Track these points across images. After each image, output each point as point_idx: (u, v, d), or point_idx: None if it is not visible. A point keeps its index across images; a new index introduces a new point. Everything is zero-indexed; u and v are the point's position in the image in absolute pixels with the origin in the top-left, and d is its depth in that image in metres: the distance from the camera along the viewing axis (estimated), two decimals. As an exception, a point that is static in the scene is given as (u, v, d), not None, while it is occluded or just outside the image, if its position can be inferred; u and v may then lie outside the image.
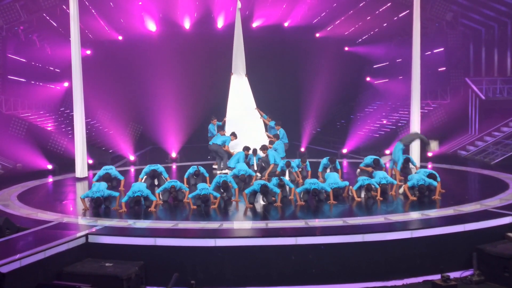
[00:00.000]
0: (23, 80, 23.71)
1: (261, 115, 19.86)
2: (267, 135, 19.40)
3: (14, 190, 16.15)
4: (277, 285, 10.52)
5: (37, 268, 9.59)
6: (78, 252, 10.59)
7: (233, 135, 18.55)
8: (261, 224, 12.20)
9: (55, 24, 23.94)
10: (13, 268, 9.07)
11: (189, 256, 10.64)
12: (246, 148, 17.69)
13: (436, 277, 10.56)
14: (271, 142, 18.70)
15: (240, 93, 19.97)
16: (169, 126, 25.27)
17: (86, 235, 10.87)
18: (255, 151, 17.79)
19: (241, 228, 12.24)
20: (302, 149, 23.46)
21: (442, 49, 25.59)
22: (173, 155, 22.57)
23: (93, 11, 24.61)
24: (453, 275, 10.74)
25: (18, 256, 9.46)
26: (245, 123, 19.31)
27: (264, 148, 17.56)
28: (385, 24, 27.57)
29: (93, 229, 11.30)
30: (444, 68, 25.58)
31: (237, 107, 19.87)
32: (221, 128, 19.37)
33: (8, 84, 22.43)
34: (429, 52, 25.50)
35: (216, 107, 21.90)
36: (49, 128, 23.56)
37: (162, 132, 25.33)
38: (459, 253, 11.15)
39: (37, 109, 24.80)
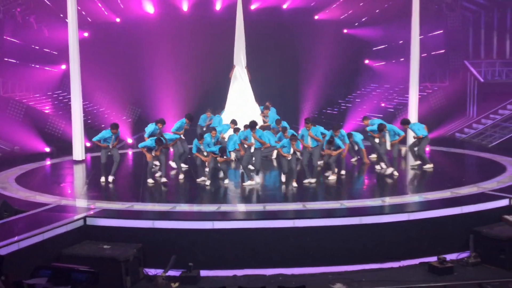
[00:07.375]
0: (21, 62, 23.58)
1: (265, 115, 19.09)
2: (262, 118, 18.95)
3: (12, 172, 16.14)
4: (276, 267, 10.58)
5: (35, 250, 9.62)
6: (77, 234, 10.62)
7: (233, 122, 17.59)
8: (259, 207, 12.24)
9: (52, 6, 23.77)
10: (11, 250, 9.11)
11: (187, 239, 10.68)
12: (233, 122, 17.35)
13: (433, 259, 10.64)
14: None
15: (240, 86, 19.89)
16: (167, 108, 25.18)
17: (84, 218, 10.89)
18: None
19: (239, 211, 12.27)
20: None
21: (442, 31, 25.46)
22: None
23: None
24: (450, 257, 10.83)
25: (16, 238, 9.50)
26: (244, 117, 18.25)
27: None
28: (385, 6, 27.38)
29: (91, 212, 11.34)
30: (443, 51, 25.47)
31: (237, 101, 19.82)
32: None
33: (5, 67, 22.32)
34: (428, 35, 25.38)
35: (214, 91, 21.80)
36: (46, 111, 23.51)
37: (161, 115, 25.19)
38: (456, 235, 11.20)
39: (35, 92, 24.70)
